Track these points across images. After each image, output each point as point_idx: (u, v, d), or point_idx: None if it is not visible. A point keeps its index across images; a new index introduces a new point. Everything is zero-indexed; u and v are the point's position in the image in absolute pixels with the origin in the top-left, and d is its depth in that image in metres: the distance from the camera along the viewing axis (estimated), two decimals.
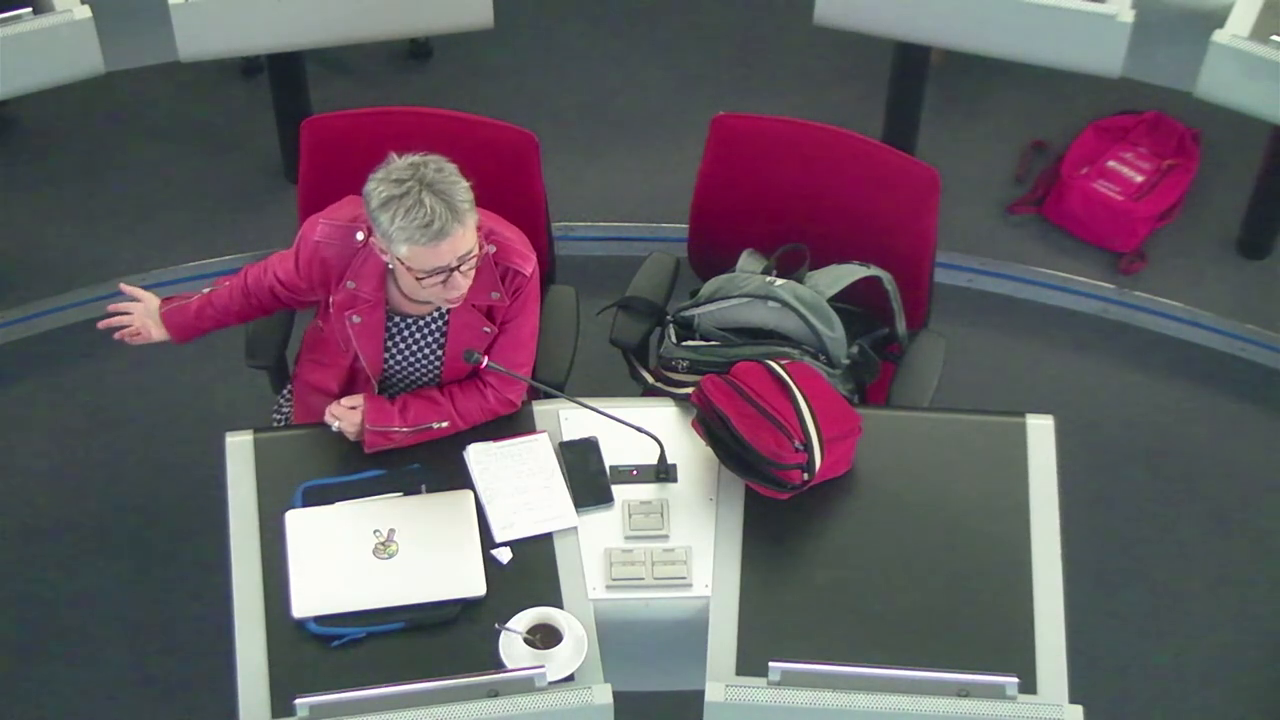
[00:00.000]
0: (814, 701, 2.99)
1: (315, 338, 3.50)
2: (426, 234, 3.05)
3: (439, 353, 3.37)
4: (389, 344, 3.36)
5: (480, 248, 3.18)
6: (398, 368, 3.39)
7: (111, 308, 3.54)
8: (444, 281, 3.13)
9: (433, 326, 3.35)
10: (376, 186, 3.09)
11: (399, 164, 3.10)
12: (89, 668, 3.99)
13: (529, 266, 3.32)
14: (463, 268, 3.13)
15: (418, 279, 3.14)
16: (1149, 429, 4.44)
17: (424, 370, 3.40)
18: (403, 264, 3.13)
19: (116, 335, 3.53)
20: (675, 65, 5.13)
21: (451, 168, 3.11)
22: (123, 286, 3.56)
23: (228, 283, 3.47)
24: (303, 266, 3.32)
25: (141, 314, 3.52)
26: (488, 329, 3.33)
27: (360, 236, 3.23)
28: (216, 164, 4.86)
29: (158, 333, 3.51)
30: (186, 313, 3.49)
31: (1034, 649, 3.11)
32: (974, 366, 4.47)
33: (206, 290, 3.49)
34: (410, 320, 3.34)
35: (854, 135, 3.70)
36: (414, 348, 3.36)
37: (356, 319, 3.31)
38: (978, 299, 4.70)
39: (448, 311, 3.32)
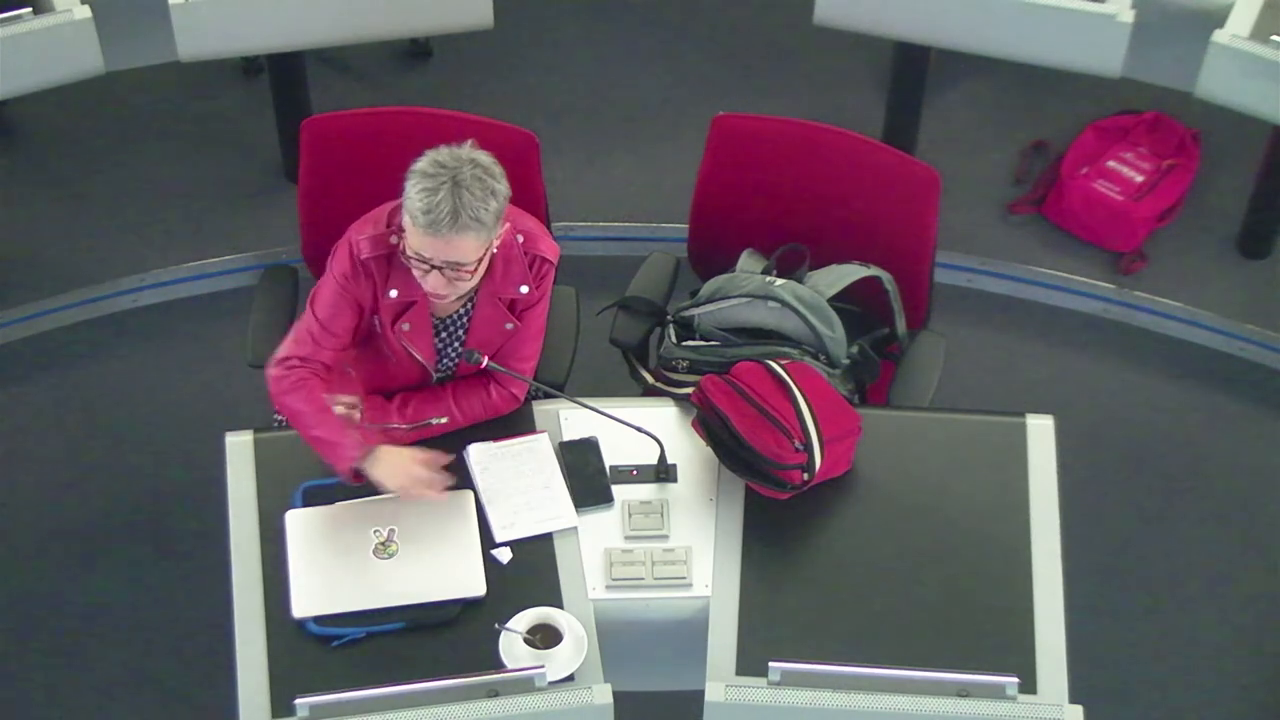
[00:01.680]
0: (814, 701, 2.99)
1: (359, 373, 3.45)
2: (423, 220, 3.07)
3: (459, 348, 3.38)
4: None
5: (490, 260, 3.19)
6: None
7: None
8: (423, 272, 3.14)
9: (458, 324, 3.35)
10: (426, 156, 3.11)
11: (460, 151, 3.10)
12: (90, 668, 3.98)
13: (554, 253, 3.34)
14: (445, 271, 3.13)
15: (404, 253, 3.16)
16: (1149, 429, 4.44)
17: (448, 369, 3.41)
18: (402, 230, 3.15)
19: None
20: (675, 65, 5.13)
21: (498, 187, 3.10)
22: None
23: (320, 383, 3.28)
24: (350, 293, 3.25)
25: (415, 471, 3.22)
26: (510, 324, 3.33)
27: (395, 240, 3.23)
28: (216, 164, 4.86)
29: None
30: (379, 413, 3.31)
31: (1034, 649, 3.11)
32: (974, 366, 4.47)
33: (342, 409, 3.27)
34: (439, 320, 3.35)
35: (854, 135, 3.70)
36: (440, 346, 3.37)
37: (407, 326, 3.30)
38: (978, 299, 4.70)
39: (472, 307, 3.32)
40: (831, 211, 3.73)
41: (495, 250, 3.20)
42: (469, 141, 3.14)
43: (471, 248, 3.12)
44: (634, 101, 5.04)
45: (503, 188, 3.12)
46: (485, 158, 3.12)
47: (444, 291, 3.17)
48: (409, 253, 3.14)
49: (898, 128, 4.73)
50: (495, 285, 3.28)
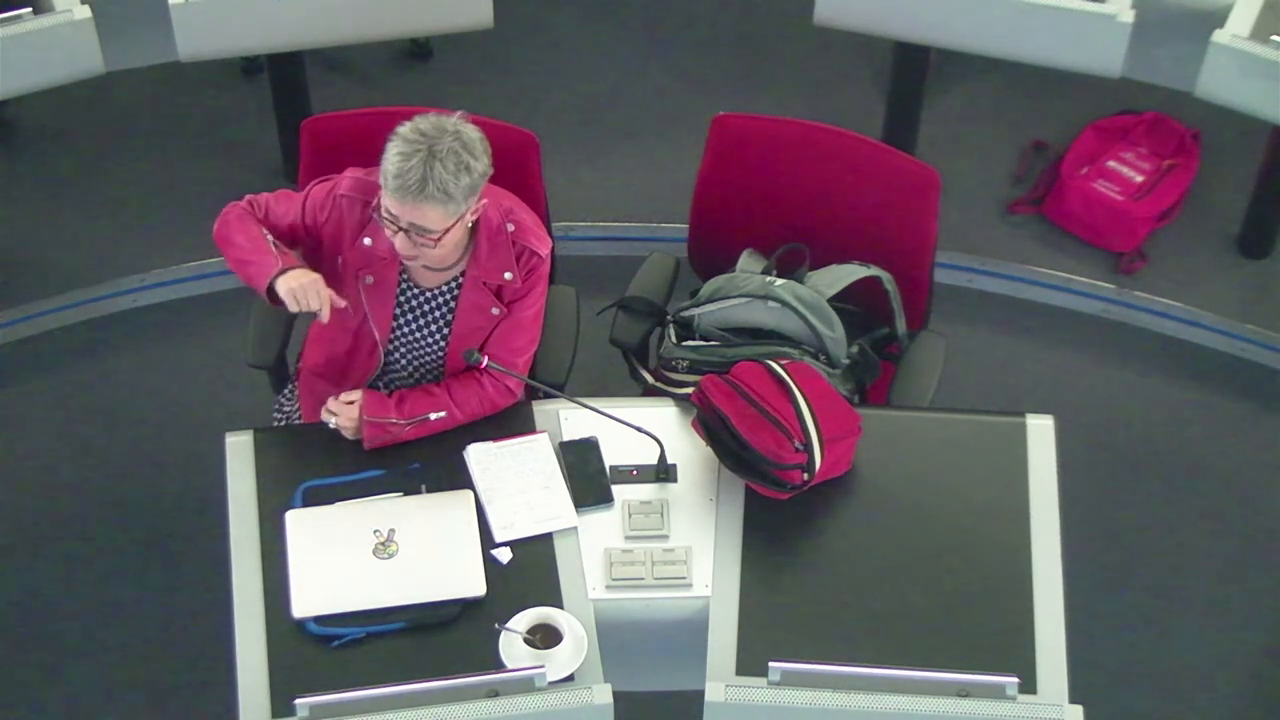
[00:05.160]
0: (814, 701, 2.99)
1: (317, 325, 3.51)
2: (392, 184, 3.12)
3: (445, 330, 3.37)
4: (398, 312, 3.36)
5: (473, 240, 3.22)
6: (403, 341, 3.39)
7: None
8: (393, 230, 3.18)
9: (441, 300, 3.36)
10: (412, 121, 3.14)
11: (445, 121, 3.14)
12: (90, 668, 3.98)
13: (545, 248, 3.35)
14: (412, 234, 3.16)
15: (375, 208, 3.20)
16: (1149, 429, 4.44)
17: (428, 347, 3.40)
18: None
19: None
20: (675, 65, 5.13)
21: (474, 163, 3.13)
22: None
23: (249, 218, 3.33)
24: (310, 211, 3.33)
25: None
26: (496, 309, 3.34)
27: None
28: (216, 164, 4.86)
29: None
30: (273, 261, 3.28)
31: (1034, 649, 3.11)
32: (974, 366, 4.47)
33: (268, 237, 3.30)
34: (420, 291, 3.35)
35: (854, 135, 3.70)
36: (420, 321, 3.37)
37: (370, 279, 3.32)
38: (978, 299, 4.70)
39: (459, 287, 3.33)
40: (831, 211, 3.73)
41: (473, 226, 3.24)
42: (458, 113, 3.17)
43: (437, 217, 3.14)
44: (633, 101, 5.04)
45: (480, 164, 3.15)
46: (471, 132, 3.15)
47: (410, 253, 3.20)
48: (382, 210, 3.18)
49: (898, 128, 4.73)
50: (480, 268, 3.30)
